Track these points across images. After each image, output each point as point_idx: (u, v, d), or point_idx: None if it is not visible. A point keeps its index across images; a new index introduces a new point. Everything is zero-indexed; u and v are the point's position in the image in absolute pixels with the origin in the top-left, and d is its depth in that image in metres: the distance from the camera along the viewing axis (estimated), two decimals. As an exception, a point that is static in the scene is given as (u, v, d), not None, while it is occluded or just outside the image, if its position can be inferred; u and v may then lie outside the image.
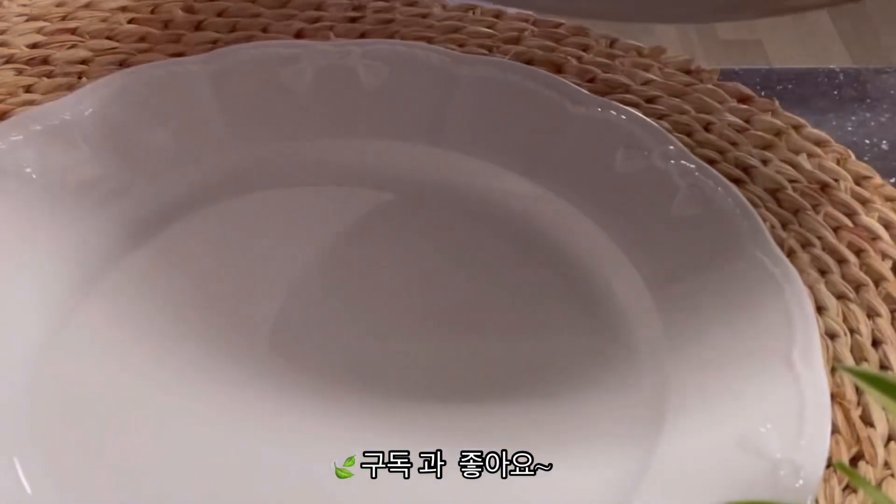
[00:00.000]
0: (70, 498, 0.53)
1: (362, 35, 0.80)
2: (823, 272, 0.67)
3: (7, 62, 0.79)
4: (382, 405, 0.58)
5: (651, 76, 0.79)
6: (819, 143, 0.74)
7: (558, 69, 0.79)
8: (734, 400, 0.56)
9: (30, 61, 0.79)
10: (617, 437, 0.57)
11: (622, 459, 0.57)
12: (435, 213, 0.69)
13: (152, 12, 0.83)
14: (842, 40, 2.27)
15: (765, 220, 0.66)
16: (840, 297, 0.65)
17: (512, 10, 0.84)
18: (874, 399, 0.54)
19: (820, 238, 0.68)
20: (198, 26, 0.82)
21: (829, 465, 0.55)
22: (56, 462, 0.55)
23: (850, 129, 0.79)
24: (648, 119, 0.70)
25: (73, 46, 0.80)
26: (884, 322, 0.64)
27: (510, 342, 0.63)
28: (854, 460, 0.58)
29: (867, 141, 0.78)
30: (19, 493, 0.53)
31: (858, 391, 0.60)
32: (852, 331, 0.64)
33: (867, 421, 0.59)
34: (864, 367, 0.61)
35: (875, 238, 0.68)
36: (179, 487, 0.55)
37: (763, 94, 0.78)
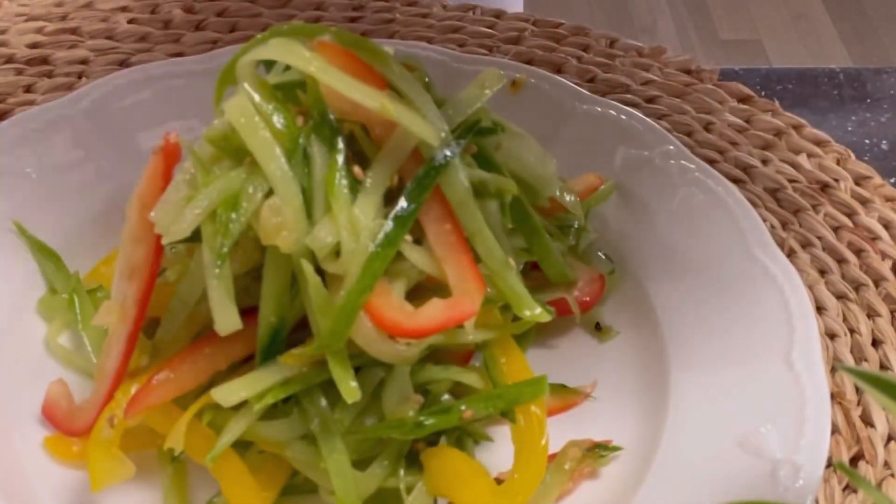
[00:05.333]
0: None
1: (362, 35, 0.80)
2: (823, 272, 0.67)
3: (7, 62, 0.79)
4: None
5: (651, 76, 0.79)
6: (819, 143, 0.75)
7: (558, 69, 0.79)
8: (734, 400, 0.57)
9: (30, 61, 0.79)
10: (618, 436, 0.57)
11: (624, 459, 0.57)
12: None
13: (152, 12, 0.83)
14: (842, 40, 2.27)
15: (765, 220, 0.66)
16: (840, 297, 0.65)
17: (512, 10, 0.84)
18: (874, 399, 0.54)
19: (820, 238, 0.68)
20: (198, 26, 0.82)
21: (829, 465, 0.55)
22: None
23: (850, 129, 0.79)
24: (648, 119, 0.70)
25: (73, 46, 0.80)
26: (884, 322, 0.64)
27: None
28: (854, 460, 0.58)
29: (867, 141, 0.78)
30: None
31: (858, 391, 0.60)
32: (852, 331, 0.64)
33: (867, 421, 0.59)
34: (864, 367, 0.61)
35: (875, 238, 0.68)
36: None
37: (763, 94, 0.78)
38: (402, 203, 0.52)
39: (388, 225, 0.52)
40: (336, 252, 0.51)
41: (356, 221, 0.51)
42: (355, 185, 0.52)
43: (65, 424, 0.57)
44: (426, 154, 0.53)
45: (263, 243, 0.51)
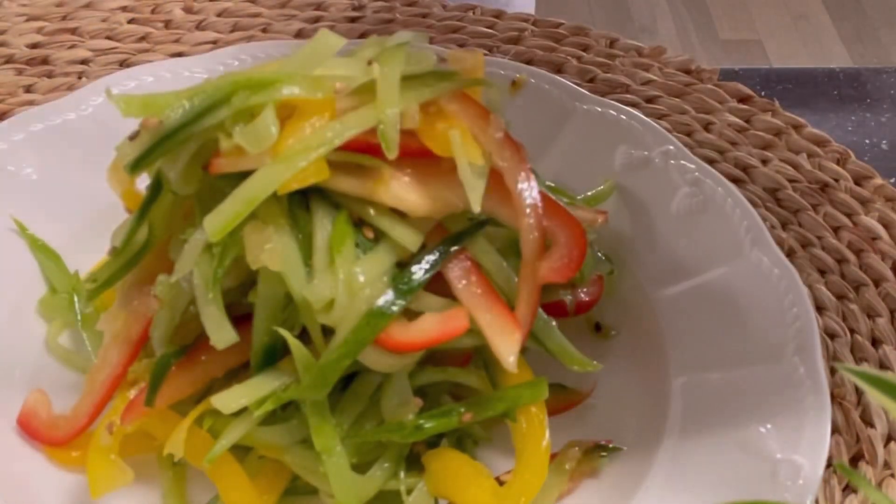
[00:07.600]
0: None
1: (362, 35, 0.80)
2: (823, 272, 0.67)
3: (7, 62, 0.79)
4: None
5: (651, 76, 0.79)
6: (819, 143, 0.75)
7: (558, 69, 0.79)
8: (734, 400, 0.57)
9: (30, 61, 0.79)
10: (618, 436, 0.57)
11: (624, 459, 0.57)
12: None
13: (152, 12, 0.83)
14: (842, 40, 2.27)
15: (765, 219, 0.66)
16: (840, 297, 0.65)
17: (512, 10, 0.84)
18: (874, 399, 0.54)
19: (820, 238, 0.68)
20: (198, 26, 0.82)
21: (829, 465, 0.55)
22: None
23: (850, 129, 0.79)
24: (648, 119, 0.70)
25: (73, 46, 0.80)
26: (884, 322, 0.64)
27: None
28: (854, 460, 0.58)
29: (867, 141, 0.78)
30: None
31: (858, 391, 0.60)
32: (852, 331, 0.64)
33: (867, 421, 0.59)
34: (864, 367, 0.61)
35: (875, 238, 0.68)
36: None
37: (763, 94, 0.78)
38: (409, 274, 0.51)
39: (389, 295, 0.50)
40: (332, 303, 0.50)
41: (354, 280, 0.50)
42: (365, 242, 0.51)
43: (42, 433, 0.56)
44: (450, 227, 0.53)
45: (252, 267, 0.50)
